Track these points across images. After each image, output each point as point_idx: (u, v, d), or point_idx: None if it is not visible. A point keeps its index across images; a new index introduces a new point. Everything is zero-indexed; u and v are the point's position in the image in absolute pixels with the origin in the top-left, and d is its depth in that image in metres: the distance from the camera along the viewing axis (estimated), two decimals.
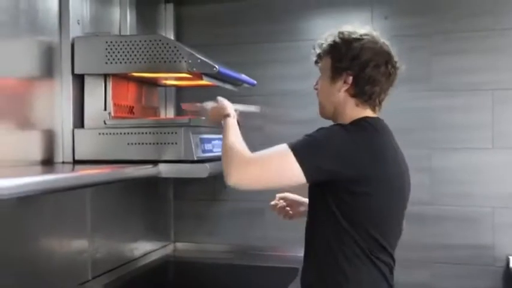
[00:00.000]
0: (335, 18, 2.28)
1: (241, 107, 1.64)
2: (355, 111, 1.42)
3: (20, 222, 1.59)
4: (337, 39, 1.43)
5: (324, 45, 1.46)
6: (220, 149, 1.85)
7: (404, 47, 1.86)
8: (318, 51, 1.48)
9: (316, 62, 1.51)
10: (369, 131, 1.38)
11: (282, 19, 2.42)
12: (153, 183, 2.37)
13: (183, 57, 1.64)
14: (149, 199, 2.41)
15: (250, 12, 2.42)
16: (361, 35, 1.41)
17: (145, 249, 2.34)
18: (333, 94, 1.43)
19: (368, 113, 1.43)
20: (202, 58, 1.64)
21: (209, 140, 1.77)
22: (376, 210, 1.34)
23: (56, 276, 1.75)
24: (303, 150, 1.31)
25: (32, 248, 1.66)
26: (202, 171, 1.62)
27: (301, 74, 2.28)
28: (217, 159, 1.81)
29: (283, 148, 1.33)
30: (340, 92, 1.42)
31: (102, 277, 1.98)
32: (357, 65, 1.39)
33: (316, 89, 1.51)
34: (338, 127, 1.38)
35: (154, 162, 1.64)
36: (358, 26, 1.45)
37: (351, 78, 1.40)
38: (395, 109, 1.75)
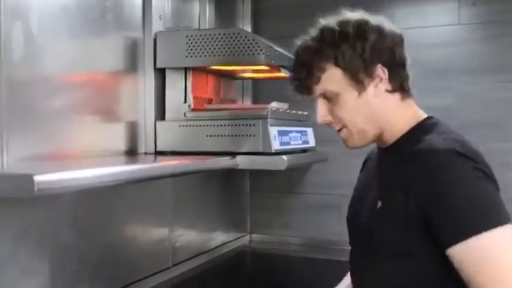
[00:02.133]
0: (419, 6, 2.18)
1: None
2: (405, 109, 1.11)
3: (106, 210, 1.67)
4: (338, 35, 1.06)
5: (318, 53, 1.07)
6: (297, 142, 1.86)
7: (489, 34, 1.75)
8: (304, 70, 1.08)
9: (305, 88, 1.10)
10: (458, 135, 1.07)
11: (362, 9, 2.36)
12: (230, 174, 2.40)
13: (261, 50, 1.64)
14: (226, 190, 2.45)
15: (328, 3, 2.38)
16: (354, 20, 1.09)
17: (222, 239, 2.38)
18: (368, 105, 1.07)
19: (415, 106, 1.14)
20: (280, 50, 1.63)
21: (287, 133, 1.77)
22: None
23: (139, 262, 1.82)
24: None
25: (117, 235, 1.74)
26: (280, 163, 1.61)
27: None
28: (295, 151, 1.82)
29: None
30: (378, 95, 1.07)
31: (182, 265, 2.04)
32: (385, 50, 1.06)
33: (328, 121, 1.11)
34: (446, 153, 0.99)
35: (232, 154, 1.66)
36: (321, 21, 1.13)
37: (386, 70, 1.07)
38: (483, 100, 1.67)
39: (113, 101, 1.67)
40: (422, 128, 1.09)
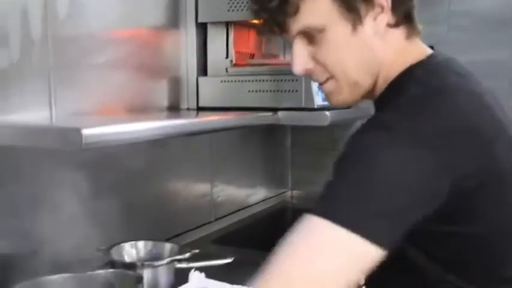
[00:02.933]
0: None
1: None
2: (409, 50, 0.84)
3: (149, 165, 1.70)
4: None
5: None
6: None
7: None
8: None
9: (277, 24, 0.83)
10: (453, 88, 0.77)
11: None
12: (271, 131, 2.40)
13: None
14: (267, 147, 2.45)
15: None
16: None
17: (263, 195, 2.40)
18: (365, 46, 0.81)
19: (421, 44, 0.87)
20: None
21: None
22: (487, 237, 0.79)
23: (183, 216, 1.87)
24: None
25: (161, 189, 1.78)
26: (322, 119, 1.59)
27: None
28: (338, 107, 1.78)
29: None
30: (378, 31, 0.80)
31: (224, 219, 2.08)
32: None
33: (309, 71, 0.85)
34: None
35: (274, 110, 1.65)
36: None
37: None
38: None
39: (155, 57, 1.68)
40: (410, 74, 0.81)
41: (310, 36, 0.81)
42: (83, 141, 0.92)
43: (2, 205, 1.22)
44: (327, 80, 0.86)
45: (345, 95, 0.87)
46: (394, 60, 0.83)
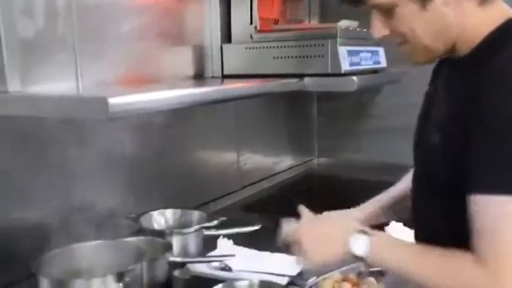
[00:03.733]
0: None
1: None
2: (486, 13, 0.86)
3: (176, 134, 1.71)
4: None
5: None
6: (368, 62, 1.78)
7: None
8: None
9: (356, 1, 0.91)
10: None
11: None
12: (296, 98, 2.37)
13: None
14: (293, 114, 2.43)
15: None
16: None
17: (289, 163, 2.40)
18: (436, 19, 0.86)
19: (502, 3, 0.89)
20: None
21: (357, 53, 1.69)
22: None
23: (211, 184, 1.88)
24: None
25: (188, 158, 1.79)
26: (349, 84, 1.56)
27: None
28: (365, 72, 1.75)
29: None
30: (449, 3, 0.84)
31: (251, 187, 2.08)
32: None
33: (386, 37, 0.92)
34: None
35: (300, 76, 1.62)
36: None
37: None
38: None
39: (179, 25, 1.66)
40: (506, 31, 0.84)
41: (384, 9, 0.89)
42: (110, 110, 0.92)
43: (33, 175, 1.24)
44: (402, 43, 0.92)
45: (419, 57, 0.92)
46: (473, 24, 0.87)
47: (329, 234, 0.95)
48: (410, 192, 1.04)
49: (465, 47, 0.89)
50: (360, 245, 0.89)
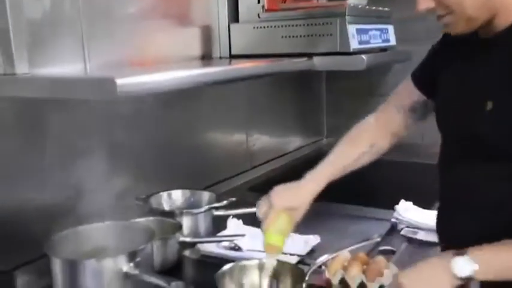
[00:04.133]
0: None
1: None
2: None
3: (185, 115, 1.71)
4: None
5: None
6: (377, 40, 1.76)
7: None
8: None
9: None
10: None
11: None
12: (305, 77, 2.36)
13: None
14: (302, 94, 2.42)
15: None
16: None
17: (298, 143, 2.39)
18: None
19: None
20: None
21: (366, 31, 1.67)
22: None
23: (220, 165, 1.88)
24: None
25: (197, 138, 1.79)
26: (359, 63, 1.54)
27: None
28: (374, 50, 1.73)
29: None
30: None
31: (260, 168, 2.09)
32: None
33: (431, 8, 0.95)
34: None
35: (308, 55, 1.60)
36: None
37: None
38: None
39: (186, 6, 1.64)
40: None
41: None
42: (118, 91, 0.91)
43: (43, 156, 1.25)
44: (446, 14, 0.94)
45: (459, 28, 0.96)
46: None
47: (431, 276, 0.90)
48: (441, 161, 1.06)
49: (502, 22, 0.93)
50: (463, 265, 0.86)
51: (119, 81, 0.92)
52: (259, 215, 1.12)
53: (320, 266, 1.16)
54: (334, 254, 1.16)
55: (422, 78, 1.15)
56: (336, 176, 1.19)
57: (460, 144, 1.02)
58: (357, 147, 1.21)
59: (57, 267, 1.03)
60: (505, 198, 0.94)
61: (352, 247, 1.23)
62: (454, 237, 1.03)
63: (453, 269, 0.86)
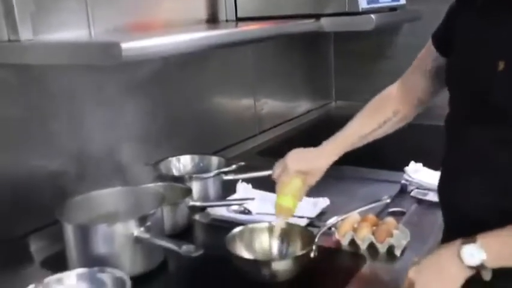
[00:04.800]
0: None
1: None
2: None
3: (194, 80, 1.69)
4: None
5: None
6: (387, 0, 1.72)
7: None
8: None
9: None
10: None
11: None
12: (313, 39, 2.32)
13: None
14: (309, 57, 2.38)
15: None
16: None
17: (306, 107, 2.38)
18: None
19: None
20: None
21: None
22: None
23: (228, 130, 1.88)
24: None
25: (206, 104, 1.78)
26: (367, 23, 1.51)
27: None
28: (383, 10, 1.69)
29: None
30: None
31: (268, 132, 2.08)
32: None
33: None
34: None
35: (316, 16, 1.57)
36: None
37: None
38: None
39: None
40: None
41: None
42: (123, 55, 0.90)
43: (51, 123, 1.25)
44: None
45: None
46: None
47: (440, 268, 0.87)
48: (448, 123, 1.03)
49: None
50: (472, 253, 0.83)
51: (124, 46, 0.91)
52: (274, 176, 1.12)
53: (330, 228, 1.17)
54: (344, 216, 1.17)
55: (441, 39, 1.09)
56: (354, 145, 1.16)
57: (470, 106, 0.98)
58: (379, 115, 1.17)
59: (69, 232, 1.05)
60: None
61: (362, 208, 1.24)
62: (456, 202, 1.00)
63: (463, 258, 0.83)
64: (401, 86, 1.19)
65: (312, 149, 1.15)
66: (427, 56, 1.13)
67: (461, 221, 0.98)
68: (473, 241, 0.83)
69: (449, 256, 0.85)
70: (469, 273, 0.83)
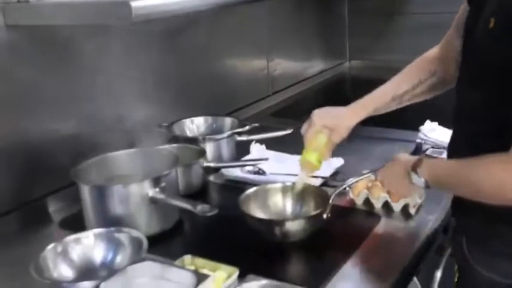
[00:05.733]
0: None
1: None
2: None
3: (207, 41, 1.67)
4: None
5: None
6: None
7: None
8: None
9: None
10: None
11: None
12: None
13: None
14: (323, 16, 2.34)
15: None
16: None
17: (320, 67, 2.35)
18: None
19: None
20: None
21: None
22: None
23: (241, 91, 1.87)
24: None
25: (219, 65, 1.77)
26: None
27: None
28: None
29: None
30: None
31: (281, 93, 2.07)
32: None
33: None
34: None
35: None
36: None
37: None
38: None
39: None
40: None
41: None
42: (133, 14, 0.89)
43: (63, 86, 1.24)
44: None
45: None
46: None
47: (398, 176, 1.00)
48: (456, 84, 0.99)
49: None
50: (416, 179, 0.94)
51: (134, 4, 0.90)
52: (302, 132, 1.13)
53: (344, 188, 1.17)
54: (360, 178, 1.16)
55: None
56: (388, 107, 1.14)
57: (469, 65, 0.95)
58: (415, 76, 1.13)
59: (86, 193, 1.06)
60: (504, 126, 0.86)
61: (379, 169, 1.21)
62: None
63: (411, 179, 0.95)
64: (442, 45, 1.13)
65: (339, 107, 1.15)
66: (463, 12, 1.05)
67: None
68: (415, 171, 0.94)
69: (402, 173, 0.97)
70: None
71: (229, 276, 0.87)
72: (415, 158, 0.97)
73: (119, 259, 0.94)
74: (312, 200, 1.10)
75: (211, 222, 1.08)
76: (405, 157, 1.03)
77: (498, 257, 0.92)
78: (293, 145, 1.41)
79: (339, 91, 2.37)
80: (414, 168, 0.94)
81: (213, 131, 1.51)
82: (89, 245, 0.95)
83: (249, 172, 1.34)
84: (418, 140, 1.45)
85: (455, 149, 1.00)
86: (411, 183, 0.95)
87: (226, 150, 1.40)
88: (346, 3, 2.42)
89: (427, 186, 0.94)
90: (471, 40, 0.93)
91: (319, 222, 1.03)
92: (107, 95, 1.35)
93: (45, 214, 1.20)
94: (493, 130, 0.88)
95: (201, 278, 0.80)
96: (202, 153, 1.31)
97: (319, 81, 2.29)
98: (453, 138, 1.02)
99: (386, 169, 1.06)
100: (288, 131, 1.45)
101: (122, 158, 1.19)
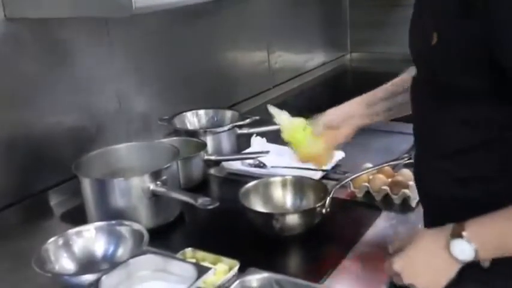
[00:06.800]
0: None
1: None
2: None
3: (207, 33, 1.67)
4: None
5: None
6: None
7: None
8: None
9: None
10: None
11: None
12: None
13: None
14: (323, 8, 2.33)
15: None
16: None
17: (321, 60, 2.34)
18: None
19: None
20: None
21: None
22: None
23: (242, 84, 1.86)
24: None
25: (219, 58, 1.76)
26: None
27: None
28: None
29: None
30: None
31: (282, 86, 2.06)
32: None
33: None
34: None
35: None
36: None
37: None
38: None
39: None
40: None
41: None
42: (134, 6, 0.89)
43: (64, 79, 1.24)
44: None
45: None
46: None
47: (428, 261, 0.79)
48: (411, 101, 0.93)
49: None
50: (462, 249, 0.75)
51: None
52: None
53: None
54: (362, 173, 1.16)
55: None
56: (392, 99, 1.10)
57: (422, 80, 0.88)
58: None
59: (87, 186, 1.06)
60: (466, 145, 0.80)
61: (381, 166, 1.19)
62: (422, 179, 0.93)
63: (453, 253, 0.75)
64: None
65: (346, 104, 1.11)
66: None
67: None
68: (461, 236, 0.74)
69: (437, 249, 0.76)
70: (460, 264, 0.76)
71: (230, 269, 0.87)
72: (448, 226, 0.77)
73: (120, 252, 0.94)
74: (312, 194, 1.10)
75: (212, 215, 1.09)
76: (431, 231, 0.82)
77: (493, 274, 0.81)
78: None
79: (340, 83, 2.37)
80: (458, 234, 0.74)
81: (214, 124, 1.51)
82: (90, 238, 0.96)
83: (250, 165, 1.34)
84: None
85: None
86: (450, 260, 0.75)
87: (227, 143, 1.41)
88: None
89: (476, 257, 0.74)
90: (417, 57, 0.87)
91: (319, 215, 1.03)
92: (108, 89, 1.35)
93: (46, 207, 1.21)
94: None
95: (202, 270, 0.80)
96: (203, 146, 1.31)
97: (320, 74, 2.29)
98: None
99: (409, 252, 0.80)
100: None
101: (123, 151, 1.19)
